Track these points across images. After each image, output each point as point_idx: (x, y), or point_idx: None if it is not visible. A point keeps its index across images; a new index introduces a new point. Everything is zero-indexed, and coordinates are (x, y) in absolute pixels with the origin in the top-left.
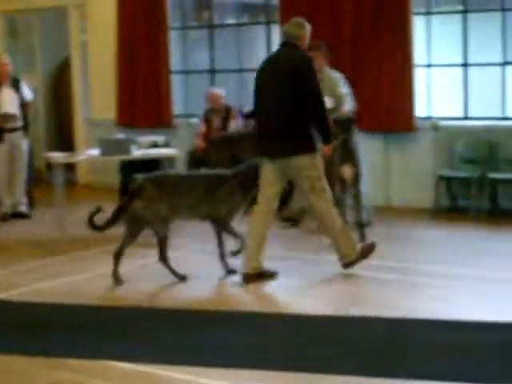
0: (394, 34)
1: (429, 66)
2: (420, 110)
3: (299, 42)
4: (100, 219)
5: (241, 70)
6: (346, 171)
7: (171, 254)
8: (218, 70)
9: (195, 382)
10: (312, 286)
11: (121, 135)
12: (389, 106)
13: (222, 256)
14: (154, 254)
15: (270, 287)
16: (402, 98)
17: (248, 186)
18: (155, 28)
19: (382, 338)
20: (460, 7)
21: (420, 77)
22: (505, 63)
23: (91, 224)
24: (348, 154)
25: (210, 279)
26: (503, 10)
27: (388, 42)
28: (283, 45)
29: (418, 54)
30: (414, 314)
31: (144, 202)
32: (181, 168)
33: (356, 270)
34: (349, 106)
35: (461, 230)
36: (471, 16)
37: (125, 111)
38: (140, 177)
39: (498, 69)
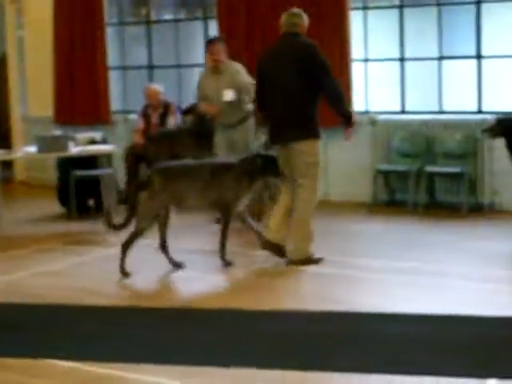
0: (331, 29)
1: (366, 60)
2: (358, 104)
3: (300, 30)
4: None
5: (179, 66)
6: None
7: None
8: (156, 66)
9: (139, 380)
10: (251, 281)
11: (58, 132)
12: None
13: (223, 246)
14: (90, 251)
15: (211, 282)
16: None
17: (253, 175)
18: (92, 24)
19: (319, 332)
20: (396, 2)
21: (357, 71)
22: (441, 57)
23: (109, 223)
24: None
25: (154, 275)
26: (439, 4)
27: (325, 37)
28: (284, 35)
29: (356, 49)
30: (351, 307)
31: (150, 193)
32: (118, 164)
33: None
34: (251, 96)
35: (398, 224)
36: (407, 11)
37: (62, 108)
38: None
39: (434, 63)
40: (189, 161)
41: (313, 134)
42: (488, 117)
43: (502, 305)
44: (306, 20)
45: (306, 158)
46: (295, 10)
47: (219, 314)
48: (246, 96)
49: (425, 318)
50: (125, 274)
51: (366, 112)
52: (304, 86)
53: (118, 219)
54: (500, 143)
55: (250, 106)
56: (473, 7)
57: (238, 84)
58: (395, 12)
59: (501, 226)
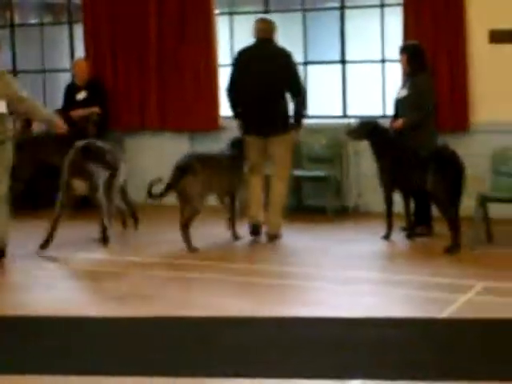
0: (196, 34)
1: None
2: (225, 109)
3: (274, 37)
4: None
5: (43, 71)
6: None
7: None
8: (20, 71)
9: None
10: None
11: None
12: (193, 106)
13: (233, 224)
14: None
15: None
16: (206, 98)
17: (243, 162)
18: None
19: (190, 337)
20: (262, 8)
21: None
22: (306, 63)
23: (149, 193)
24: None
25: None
26: (304, 10)
27: (192, 43)
28: (260, 40)
29: (223, 54)
30: (211, 312)
31: (190, 178)
32: None
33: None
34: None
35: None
36: (273, 16)
37: None
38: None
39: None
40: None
41: (290, 128)
42: (352, 121)
43: (366, 306)
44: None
45: (286, 150)
46: (268, 17)
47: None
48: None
49: (285, 320)
50: (194, 249)
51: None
52: (284, 86)
53: None
54: (364, 147)
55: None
56: (337, 13)
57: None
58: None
59: (365, 228)
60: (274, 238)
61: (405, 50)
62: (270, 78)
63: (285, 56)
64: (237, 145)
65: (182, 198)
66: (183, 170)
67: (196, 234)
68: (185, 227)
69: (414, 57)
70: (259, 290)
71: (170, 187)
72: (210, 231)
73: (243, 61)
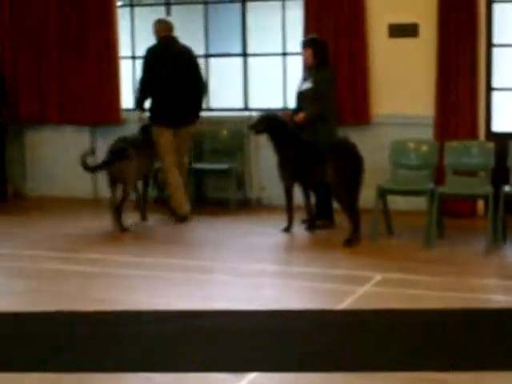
0: (97, 26)
1: (133, 58)
2: (127, 102)
3: (174, 34)
4: None
5: None
6: None
7: None
8: None
9: None
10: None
11: None
12: (95, 99)
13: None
14: None
15: None
16: (108, 91)
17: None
18: None
19: (87, 334)
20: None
21: (126, 69)
22: (207, 55)
23: (84, 164)
24: None
25: None
26: (205, 2)
27: (93, 35)
28: (166, 38)
29: (124, 47)
30: (115, 306)
31: (126, 162)
32: None
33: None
34: None
35: (165, 221)
36: (175, 8)
37: None
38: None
39: (201, 61)
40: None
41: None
42: (254, 114)
43: (266, 298)
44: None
45: (189, 140)
46: (168, 17)
47: None
48: None
49: (184, 313)
50: (124, 230)
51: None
52: (193, 80)
53: None
54: (266, 140)
55: None
56: (238, 6)
57: None
58: (162, 9)
59: (267, 221)
60: (185, 219)
61: (309, 43)
62: (182, 74)
63: (190, 53)
64: (146, 130)
65: (115, 180)
66: (118, 154)
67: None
68: (117, 209)
69: (318, 50)
70: (159, 284)
71: (103, 167)
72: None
73: (155, 59)
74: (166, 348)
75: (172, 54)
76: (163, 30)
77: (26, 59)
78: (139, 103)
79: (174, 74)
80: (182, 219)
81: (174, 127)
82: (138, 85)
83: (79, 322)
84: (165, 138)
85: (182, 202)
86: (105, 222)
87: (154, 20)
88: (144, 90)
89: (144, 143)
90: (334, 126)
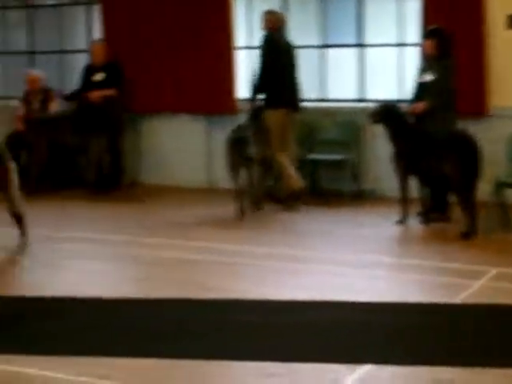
0: (214, 17)
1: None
2: (242, 92)
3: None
4: None
5: (61, 52)
6: None
7: None
8: (38, 52)
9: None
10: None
11: None
12: (210, 88)
13: None
14: None
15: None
16: (223, 81)
17: None
18: None
19: (206, 319)
20: None
21: (241, 59)
22: (324, 46)
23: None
24: None
25: None
26: None
27: (209, 25)
28: (278, 29)
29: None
30: (227, 294)
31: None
32: None
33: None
34: None
35: (280, 211)
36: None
37: None
38: None
39: (315, 52)
40: None
41: None
42: (370, 104)
43: (380, 290)
44: None
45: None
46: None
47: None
48: None
49: (301, 304)
50: None
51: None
52: (296, 70)
53: None
54: (382, 130)
55: None
56: None
57: None
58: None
59: (381, 213)
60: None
61: (433, 33)
62: (293, 63)
63: (291, 43)
64: (257, 116)
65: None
66: (240, 141)
67: None
68: (240, 195)
69: (441, 41)
70: (268, 273)
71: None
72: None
73: (276, 49)
74: (278, 338)
75: (285, 44)
76: (277, 20)
77: (143, 48)
78: (257, 91)
79: (288, 62)
80: (296, 195)
81: (292, 108)
82: (256, 72)
83: (191, 310)
84: (279, 120)
85: (296, 177)
86: (219, 210)
87: (263, 11)
88: (264, 76)
89: (257, 129)
90: (453, 118)
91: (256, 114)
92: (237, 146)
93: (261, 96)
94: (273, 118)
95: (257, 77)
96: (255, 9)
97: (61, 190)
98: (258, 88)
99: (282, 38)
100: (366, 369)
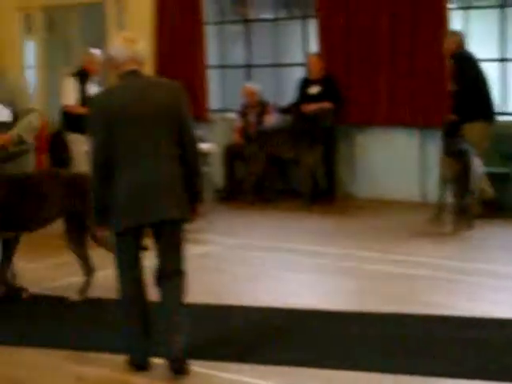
0: (429, 31)
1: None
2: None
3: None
4: None
5: (277, 65)
6: None
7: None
8: (254, 65)
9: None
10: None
11: None
12: (424, 102)
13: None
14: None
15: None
16: (437, 95)
17: None
18: (192, 22)
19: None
20: (496, 2)
21: None
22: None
23: None
24: None
25: None
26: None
27: (424, 39)
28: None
29: None
30: (446, 311)
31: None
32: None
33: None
34: None
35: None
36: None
37: None
38: None
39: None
40: None
41: None
42: None
43: None
44: None
45: None
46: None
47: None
48: None
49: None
50: None
51: None
52: None
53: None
54: None
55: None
56: None
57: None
58: (496, 12)
59: None
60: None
61: None
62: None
63: None
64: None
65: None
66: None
67: None
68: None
69: None
70: (479, 289)
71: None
72: None
73: (474, 63)
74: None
75: (475, 59)
76: (461, 40)
77: (357, 62)
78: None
79: (483, 76)
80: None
81: (490, 120)
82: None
83: (407, 324)
84: (482, 133)
85: (487, 188)
86: (433, 225)
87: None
88: (468, 92)
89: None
90: None
91: (451, 129)
92: (452, 159)
93: (460, 111)
94: (474, 130)
95: (460, 93)
96: (472, 20)
97: (276, 202)
98: (461, 104)
99: (471, 55)
100: None
